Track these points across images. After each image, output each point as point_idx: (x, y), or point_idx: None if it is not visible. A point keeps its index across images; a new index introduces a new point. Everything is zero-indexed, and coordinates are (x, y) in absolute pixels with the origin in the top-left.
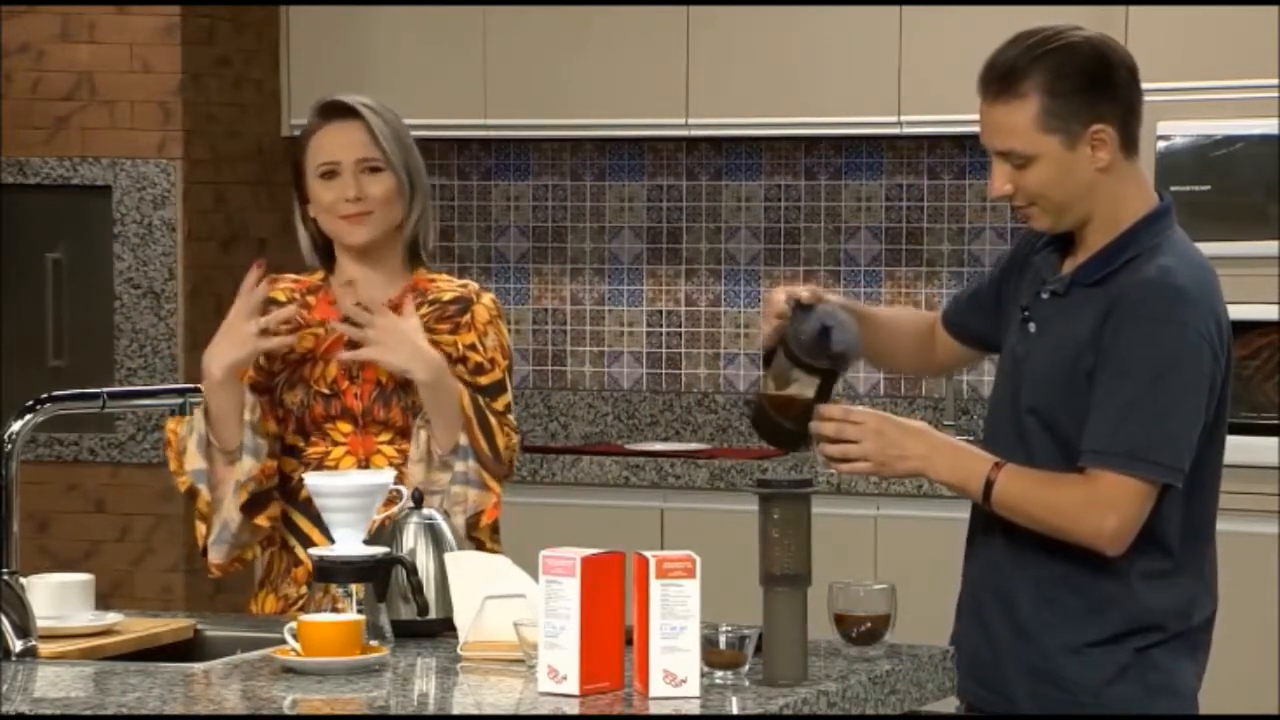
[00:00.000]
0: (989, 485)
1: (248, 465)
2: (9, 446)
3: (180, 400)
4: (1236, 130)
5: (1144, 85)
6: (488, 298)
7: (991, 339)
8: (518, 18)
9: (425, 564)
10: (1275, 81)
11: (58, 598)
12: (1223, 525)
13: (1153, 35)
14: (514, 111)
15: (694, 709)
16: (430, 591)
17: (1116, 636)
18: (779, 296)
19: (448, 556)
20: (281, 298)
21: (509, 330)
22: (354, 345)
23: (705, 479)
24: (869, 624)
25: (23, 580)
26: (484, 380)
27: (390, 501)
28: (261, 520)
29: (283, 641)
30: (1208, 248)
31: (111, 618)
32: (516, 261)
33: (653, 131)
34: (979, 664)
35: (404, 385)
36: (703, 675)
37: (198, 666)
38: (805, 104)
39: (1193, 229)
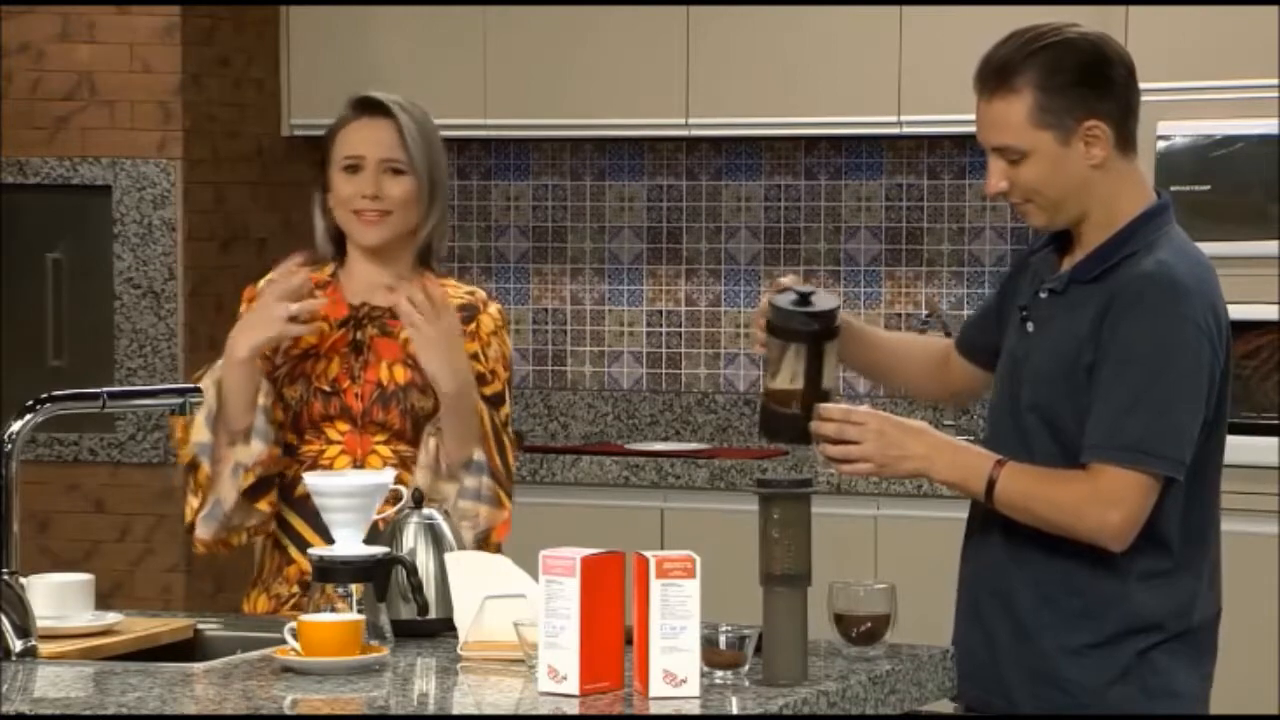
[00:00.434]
0: (991, 483)
1: (256, 449)
2: (9, 446)
3: (180, 400)
4: (1236, 130)
5: (1143, 85)
6: (494, 308)
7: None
8: (518, 18)
9: (425, 564)
10: (1275, 81)
11: (58, 598)
12: (1223, 525)
13: (1152, 35)
14: (514, 111)
15: (694, 709)
16: (430, 591)
17: (1115, 637)
18: (765, 299)
19: (448, 556)
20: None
21: (510, 331)
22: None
23: (705, 479)
24: (869, 624)
25: (23, 580)
26: (486, 391)
27: (390, 501)
28: (263, 505)
29: (283, 641)
30: (1208, 248)
31: (111, 618)
32: (516, 261)
33: (652, 131)
34: (978, 664)
35: (405, 388)
36: (703, 675)
37: (198, 666)
38: (805, 104)
39: (1192, 229)
